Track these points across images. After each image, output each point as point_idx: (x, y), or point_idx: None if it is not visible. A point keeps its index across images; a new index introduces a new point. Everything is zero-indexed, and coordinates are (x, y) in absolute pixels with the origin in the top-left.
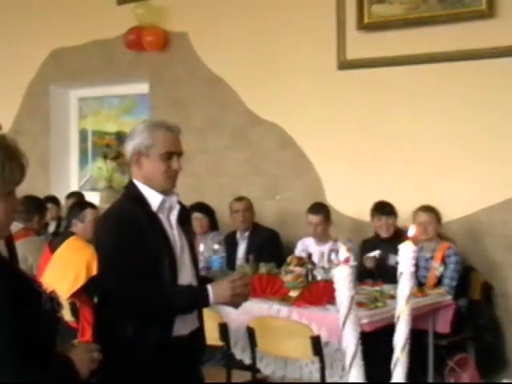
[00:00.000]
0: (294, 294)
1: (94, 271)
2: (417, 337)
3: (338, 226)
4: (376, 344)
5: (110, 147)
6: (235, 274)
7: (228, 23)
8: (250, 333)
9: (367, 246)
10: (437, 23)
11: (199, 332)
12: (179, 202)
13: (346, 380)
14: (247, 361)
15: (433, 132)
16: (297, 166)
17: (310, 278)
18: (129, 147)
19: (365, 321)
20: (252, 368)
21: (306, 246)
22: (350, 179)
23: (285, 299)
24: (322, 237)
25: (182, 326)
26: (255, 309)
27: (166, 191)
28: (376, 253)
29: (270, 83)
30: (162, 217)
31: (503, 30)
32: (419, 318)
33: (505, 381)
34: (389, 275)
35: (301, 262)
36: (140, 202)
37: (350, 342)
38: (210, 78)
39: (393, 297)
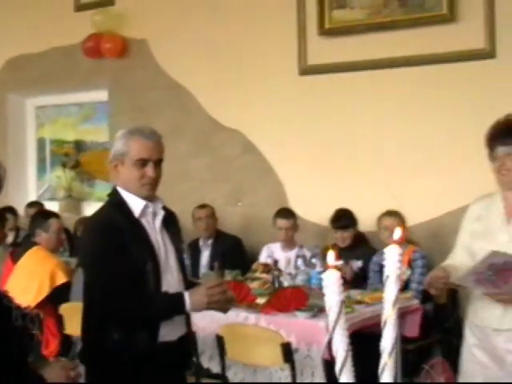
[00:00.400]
0: (261, 300)
1: (58, 281)
2: None
3: (301, 232)
4: None
5: (69, 156)
6: (212, 280)
7: (188, 30)
8: (220, 340)
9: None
10: (398, 28)
11: (187, 337)
12: (164, 208)
13: None
14: (215, 369)
15: (396, 136)
16: (259, 172)
17: (276, 284)
18: (110, 154)
19: None
20: (222, 376)
21: (272, 251)
22: (312, 184)
23: (252, 306)
24: (290, 242)
25: (170, 332)
26: (222, 317)
27: (146, 198)
28: (338, 263)
29: (231, 90)
30: (146, 223)
31: (464, 34)
32: None
33: None
34: (352, 280)
35: (267, 268)
36: (122, 209)
37: (339, 347)
38: (170, 84)
39: (360, 302)
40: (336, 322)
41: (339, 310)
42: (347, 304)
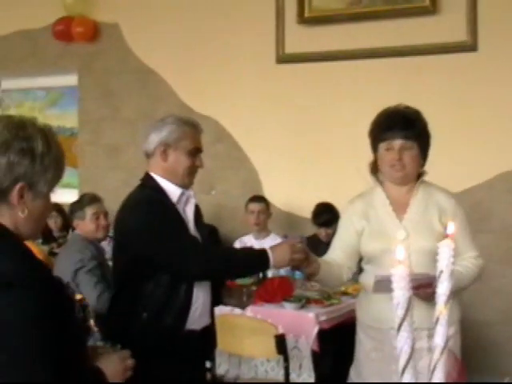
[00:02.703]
0: None
1: None
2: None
3: (275, 221)
4: (332, 341)
5: None
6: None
7: (161, 14)
8: None
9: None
10: (379, 18)
11: (210, 329)
12: None
13: (303, 378)
14: None
15: None
16: (233, 160)
17: (260, 274)
18: (155, 138)
19: (323, 318)
20: (212, 368)
21: (245, 244)
22: (288, 174)
23: None
24: (263, 228)
25: (195, 321)
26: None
27: (184, 186)
28: None
29: (205, 76)
30: (180, 210)
31: (446, 26)
32: None
33: (506, 380)
34: None
35: None
36: (160, 193)
37: (405, 344)
38: (141, 69)
39: (344, 293)
40: (403, 319)
41: (407, 307)
42: (333, 295)
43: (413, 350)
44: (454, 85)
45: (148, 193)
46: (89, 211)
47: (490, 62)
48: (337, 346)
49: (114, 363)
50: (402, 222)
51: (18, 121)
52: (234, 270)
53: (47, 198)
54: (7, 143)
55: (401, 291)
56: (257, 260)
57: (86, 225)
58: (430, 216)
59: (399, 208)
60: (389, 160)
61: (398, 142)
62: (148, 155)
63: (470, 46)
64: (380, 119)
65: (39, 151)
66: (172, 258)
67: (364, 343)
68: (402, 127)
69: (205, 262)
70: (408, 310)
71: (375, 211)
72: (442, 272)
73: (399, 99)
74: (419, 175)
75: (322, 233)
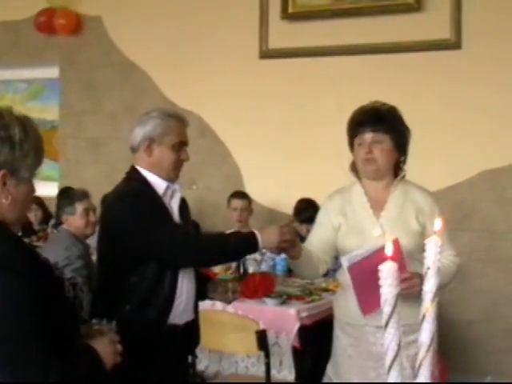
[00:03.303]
0: None
1: None
2: None
3: (256, 217)
4: (313, 338)
5: None
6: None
7: (144, 8)
8: None
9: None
10: (363, 15)
11: (194, 324)
12: None
13: (283, 375)
14: None
15: None
16: (215, 156)
17: (241, 270)
18: (139, 133)
19: (304, 314)
20: (193, 364)
21: None
22: (269, 169)
23: None
24: (244, 225)
25: (178, 316)
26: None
27: (170, 180)
28: None
29: (188, 70)
30: (166, 203)
31: (430, 23)
32: None
33: (488, 379)
34: None
35: None
36: (146, 186)
37: (392, 341)
38: (124, 63)
39: (325, 289)
40: (390, 315)
41: (395, 303)
42: (314, 292)
43: (399, 347)
44: (438, 82)
45: (134, 185)
46: (79, 207)
47: (474, 60)
48: (318, 342)
49: (106, 345)
50: (378, 219)
51: None
52: (223, 256)
53: (29, 183)
54: None
55: (389, 288)
56: (245, 243)
57: (75, 220)
58: (407, 214)
59: (377, 205)
60: (361, 155)
61: (368, 136)
62: (133, 149)
63: (454, 44)
64: (354, 116)
65: (17, 138)
66: (160, 248)
67: (341, 339)
68: (372, 121)
69: (195, 249)
70: (395, 306)
71: (353, 207)
72: (428, 269)
73: (383, 96)
74: (396, 171)
75: (304, 229)
